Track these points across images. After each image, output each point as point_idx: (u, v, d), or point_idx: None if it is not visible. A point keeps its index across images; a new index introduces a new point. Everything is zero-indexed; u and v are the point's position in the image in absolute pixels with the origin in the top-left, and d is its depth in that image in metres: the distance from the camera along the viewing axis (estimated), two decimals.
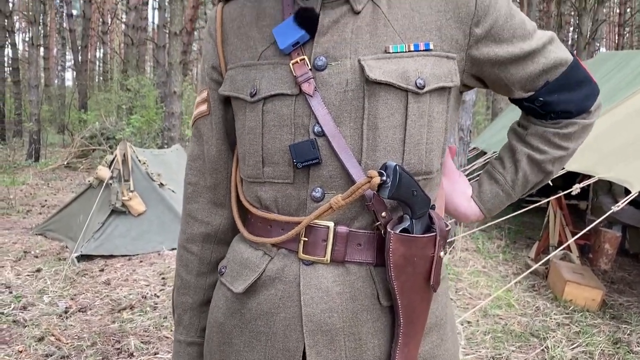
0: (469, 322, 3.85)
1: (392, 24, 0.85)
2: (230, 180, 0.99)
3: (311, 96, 0.82)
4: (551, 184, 4.03)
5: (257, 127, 0.86)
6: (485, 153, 7.36)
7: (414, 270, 0.80)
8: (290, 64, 0.84)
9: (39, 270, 4.72)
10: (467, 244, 5.85)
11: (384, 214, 0.81)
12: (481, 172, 1.03)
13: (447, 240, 0.86)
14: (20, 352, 3.24)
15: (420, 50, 0.83)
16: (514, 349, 3.45)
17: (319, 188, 0.83)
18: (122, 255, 5.20)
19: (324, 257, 0.83)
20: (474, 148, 8.11)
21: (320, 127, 0.81)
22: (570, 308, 4.07)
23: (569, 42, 22.30)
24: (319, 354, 0.82)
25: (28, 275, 4.62)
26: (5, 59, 16.41)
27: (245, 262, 0.90)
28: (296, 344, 0.83)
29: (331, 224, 0.83)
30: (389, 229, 0.79)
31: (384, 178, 0.78)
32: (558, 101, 0.90)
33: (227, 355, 0.91)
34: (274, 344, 0.85)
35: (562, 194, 4.14)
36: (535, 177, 0.97)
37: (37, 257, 5.18)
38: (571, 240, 3.82)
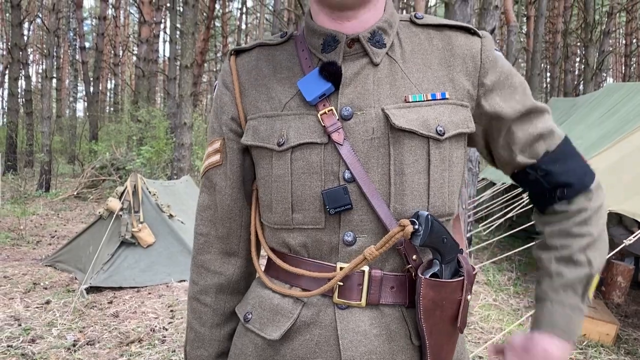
0: (480, 358, 3.78)
1: (409, 77, 0.89)
2: (243, 229, 1.00)
3: (341, 145, 0.85)
4: None
5: (285, 174, 0.89)
6: (494, 184, 7.36)
7: (442, 313, 0.82)
8: (319, 115, 0.87)
9: (48, 302, 4.72)
10: (478, 277, 5.79)
11: (414, 257, 0.85)
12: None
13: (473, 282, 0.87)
14: None
15: (438, 99, 0.88)
16: None
17: (350, 232, 0.86)
18: (131, 287, 5.19)
19: (360, 300, 0.85)
20: (483, 179, 8.12)
21: (351, 173, 0.85)
22: (584, 343, 4.00)
23: (576, 73, 22.43)
24: None
25: (37, 308, 4.61)
26: (19, 90, 16.72)
27: (276, 308, 0.90)
28: None
29: (366, 268, 0.85)
30: (419, 274, 0.82)
31: (416, 227, 0.81)
32: (560, 171, 0.94)
33: None
34: None
35: None
36: (572, 272, 0.92)
37: (46, 288, 5.19)
38: None
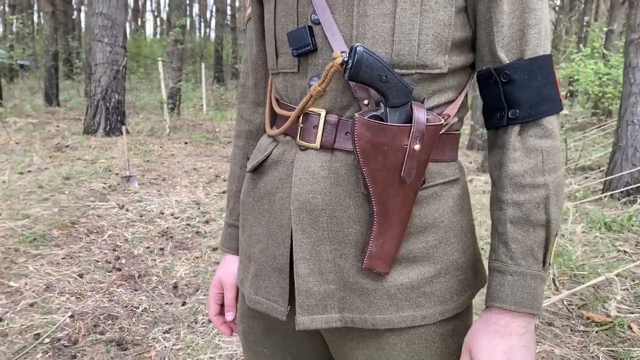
0: None
1: None
2: (266, 80, 1.06)
3: None
4: None
5: (271, 18, 0.92)
6: None
7: (385, 160, 0.78)
8: None
9: (224, 192, 5.34)
10: None
11: (366, 101, 0.81)
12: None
13: (431, 135, 0.78)
14: (197, 257, 3.76)
15: None
16: None
17: (315, 77, 0.85)
18: None
19: (315, 143, 0.86)
20: None
21: (317, 15, 0.82)
22: None
23: None
24: (304, 231, 0.86)
25: (215, 195, 5.26)
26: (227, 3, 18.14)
27: (259, 147, 0.99)
28: (288, 221, 0.88)
29: (322, 112, 0.85)
30: (356, 115, 0.77)
31: (345, 58, 0.75)
32: (521, 84, 0.79)
33: (245, 230, 1.01)
34: (272, 221, 0.92)
35: None
36: (530, 236, 0.79)
37: (225, 180, 5.85)
38: None
